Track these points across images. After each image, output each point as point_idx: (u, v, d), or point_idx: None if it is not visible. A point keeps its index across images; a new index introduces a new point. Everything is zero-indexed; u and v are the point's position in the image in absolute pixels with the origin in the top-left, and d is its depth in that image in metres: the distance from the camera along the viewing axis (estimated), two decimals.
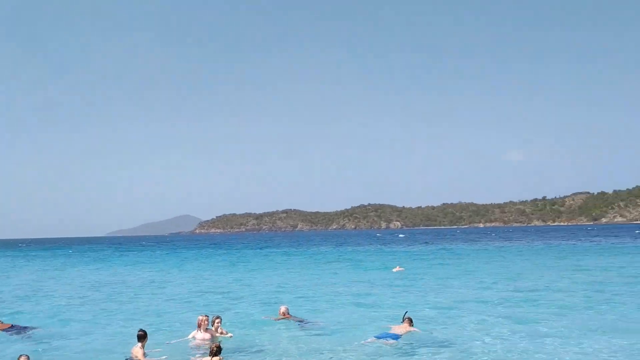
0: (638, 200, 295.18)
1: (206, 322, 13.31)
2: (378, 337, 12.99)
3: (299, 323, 15.49)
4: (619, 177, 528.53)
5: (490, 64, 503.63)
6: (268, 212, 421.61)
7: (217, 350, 10.83)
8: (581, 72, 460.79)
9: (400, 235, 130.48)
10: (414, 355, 11.84)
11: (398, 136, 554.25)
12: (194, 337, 13.23)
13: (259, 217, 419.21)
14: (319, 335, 14.07)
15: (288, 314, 16.04)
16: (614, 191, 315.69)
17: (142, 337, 11.48)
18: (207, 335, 13.11)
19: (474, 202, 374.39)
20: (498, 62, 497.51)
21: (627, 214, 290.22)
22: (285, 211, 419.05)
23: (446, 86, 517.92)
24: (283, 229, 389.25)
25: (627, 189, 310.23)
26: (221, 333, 13.57)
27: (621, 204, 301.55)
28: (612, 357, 11.13)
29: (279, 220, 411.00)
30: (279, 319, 15.84)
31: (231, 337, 13.53)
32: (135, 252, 75.58)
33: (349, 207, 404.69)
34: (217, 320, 13.68)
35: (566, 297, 19.56)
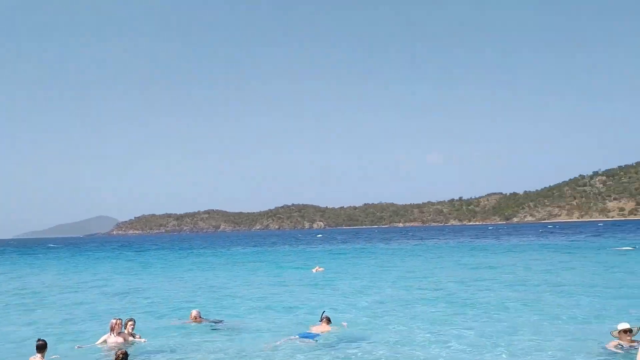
0: (546, 200, 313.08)
1: (119, 326, 12.88)
2: (297, 337, 12.90)
3: (213, 325, 15.12)
4: (529, 179, 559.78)
5: (411, 71, 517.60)
6: (189, 213, 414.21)
7: (122, 357, 10.21)
8: (496, 81, 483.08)
9: (319, 235, 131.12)
10: (332, 353, 11.81)
11: (320, 137, 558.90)
12: (105, 342, 12.72)
13: (179, 217, 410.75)
14: (233, 337, 13.75)
15: (200, 317, 15.61)
16: (525, 192, 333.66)
17: (41, 347, 10.66)
18: (120, 339, 12.70)
19: (394, 202, 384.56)
20: (419, 70, 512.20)
21: (536, 214, 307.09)
22: (207, 212, 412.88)
23: (369, 89, 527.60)
24: (205, 230, 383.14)
25: (536, 190, 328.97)
26: (132, 336, 13.11)
27: (531, 204, 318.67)
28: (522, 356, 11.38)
29: (200, 220, 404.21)
30: (190, 323, 15.36)
31: (145, 341, 13.07)
32: (40, 255, 71.55)
33: (272, 207, 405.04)
34: (130, 323, 13.25)
35: (476, 294, 20.17)
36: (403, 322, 14.89)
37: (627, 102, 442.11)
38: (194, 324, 15.29)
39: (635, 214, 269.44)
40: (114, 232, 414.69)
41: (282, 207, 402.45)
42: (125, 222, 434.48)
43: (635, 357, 9.92)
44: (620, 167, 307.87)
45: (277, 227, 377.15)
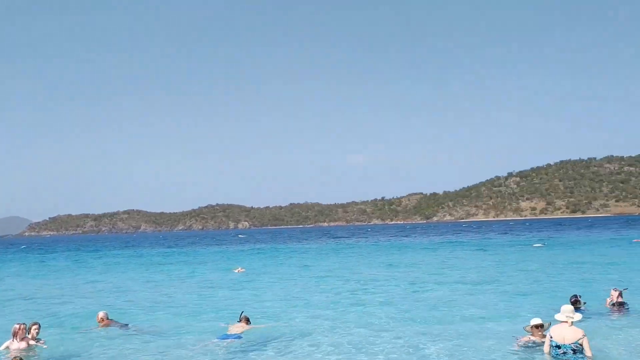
0: (464, 200, 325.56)
1: (23, 331, 12.15)
2: (217, 339, 12.65)
3: (122, 328, 14.42)
4: (448, 179, 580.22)
5: (333, 74, 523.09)
6: (108, 213, 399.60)
7: None
8: (413, 83, 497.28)
9: (240, 236, 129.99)
10: (251, 353, 11.63)
11: (246, 136, 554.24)
12: (7, 348, 11.99)
13: (97, 218, 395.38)
14: (147, 342, 13.16)
15: (108, 319, 14.83)
16: (444, 192, 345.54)
17: None
18: (23, 345, 11.99)
19: (319, 202, 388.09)
20: (342, 72, 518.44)
21: (455, 213, 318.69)
22: (127, 212, 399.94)
23: (291, 90, 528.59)
24: (125, 231, 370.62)
25: (455, 190, 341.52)
26: (37, 341, 12.41)
27: (450, 203, 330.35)
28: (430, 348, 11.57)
29: (120, 221, 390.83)
30: (100, 327, 14.58)
31: (46, 347, 12.34)
32: None
33: (196, 207, 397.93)
34: (34, 328, 12.52)
35: (390, 293, 20.40)
36: (324, 322, 14.83)
37: (541, 107, 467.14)
38: (101, 327, 14.54)
39: (545, 213, 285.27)
40: (26, 234, 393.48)
41: (206, 207, 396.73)
42: (39, 222, 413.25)
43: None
44: (532, 168, 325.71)
45: (200, 227, 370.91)
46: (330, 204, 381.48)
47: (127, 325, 14.77)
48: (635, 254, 34.29)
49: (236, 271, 31.33)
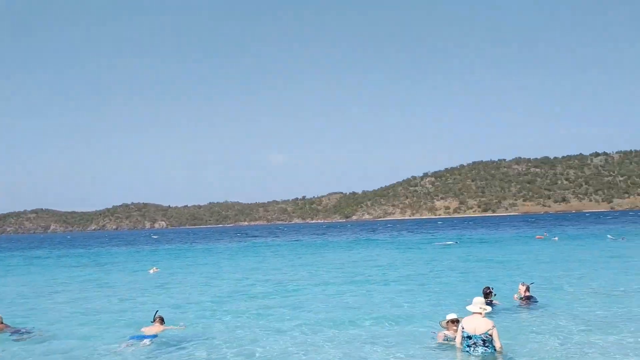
0: (382, 200, 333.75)
1: None
2: (131, 339, 12.28)
3: (20, 333, 13.44)
4: (367, 179, 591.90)
5: (261, 73, 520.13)
6: (14, 212, 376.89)
7: None
8: (332, 84, 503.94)
9: (154, 236, 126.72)
10: (167, 353, 11.37)
11: (165, 133, 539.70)
12: None
13: (2, 217, 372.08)
14: (49, 346, 12.35)
15: (2, 323, 13.76)
16: (363, 192, 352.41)
17: None
18: None
19: (240, 201, 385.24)
20: (266, 72, 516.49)
21: (373, 212, 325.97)
22: (34, 211, 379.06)
23: (211, 87, 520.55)
24: (32, 231, 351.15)
25: (373, 190, 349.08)
26: None
27: (368, 203, 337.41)
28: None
29: (27, 221, 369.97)
30: None
31: None
32: None
33: (110, 206, 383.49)
34: None
35: (305, 291, 20.39)
36: (238, 323, 14.51)
37: (456, 109, 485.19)
38: None
39: (458, 212, 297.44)
40: None
41: (121, 205, 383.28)
42: None
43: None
44: (446, 169, 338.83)
45: (114, 227, 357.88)
46: (251, 203, 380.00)
47: (25, 329, 13.78)
48: (539, 250, 36.17)
49: (151, 271, 30.65)
